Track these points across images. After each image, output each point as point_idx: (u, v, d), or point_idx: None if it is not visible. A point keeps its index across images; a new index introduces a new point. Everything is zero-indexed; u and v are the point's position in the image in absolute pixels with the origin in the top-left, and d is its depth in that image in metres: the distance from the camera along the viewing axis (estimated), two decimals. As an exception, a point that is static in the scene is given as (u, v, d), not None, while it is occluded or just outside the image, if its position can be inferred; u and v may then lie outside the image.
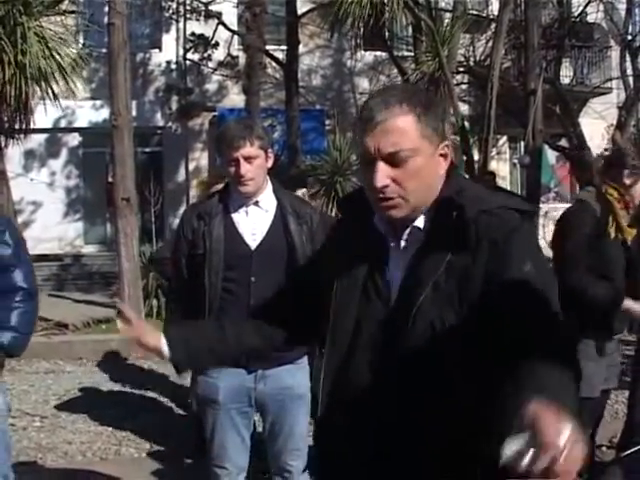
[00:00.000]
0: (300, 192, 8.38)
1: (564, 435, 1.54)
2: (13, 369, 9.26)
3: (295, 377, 3.97)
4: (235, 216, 4.00)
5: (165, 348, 2.39)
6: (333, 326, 2.23)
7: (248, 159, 3.86)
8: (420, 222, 2.15)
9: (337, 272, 2.25)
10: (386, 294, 2.16)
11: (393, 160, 2.08)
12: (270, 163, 4.00)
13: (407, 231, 2.16)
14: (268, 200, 4.04)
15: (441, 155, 2.15)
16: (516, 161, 21.99)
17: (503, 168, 23.73)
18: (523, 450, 1.56)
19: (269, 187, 4.06)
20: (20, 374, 9.35)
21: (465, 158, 14.96)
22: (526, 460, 1.54)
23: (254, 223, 3.99)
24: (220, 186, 4.63)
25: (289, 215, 3.98)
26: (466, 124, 15.66)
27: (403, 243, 2.17)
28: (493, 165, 19.44)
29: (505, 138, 23.41)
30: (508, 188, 23.16)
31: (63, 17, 12.49)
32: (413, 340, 2.05)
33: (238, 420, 3.97)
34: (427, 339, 2.03)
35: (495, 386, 2.00)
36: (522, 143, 16.56)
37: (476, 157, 14.58)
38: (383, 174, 2.08)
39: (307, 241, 3.94)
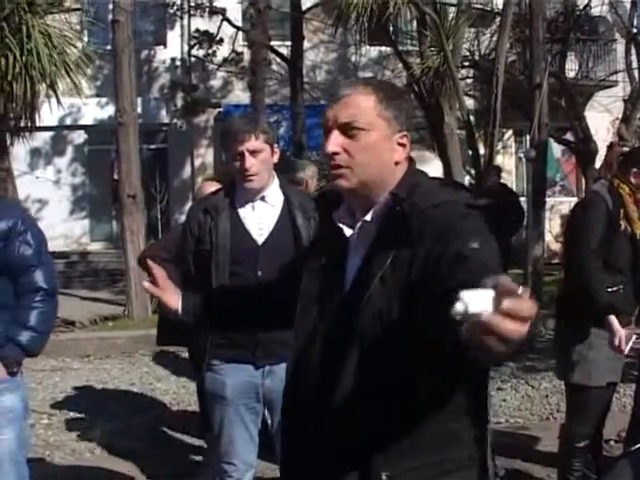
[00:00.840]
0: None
1: (520, 288, 1.57)
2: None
3: None
4: (242, 211, 4.00)
5: (180, 310, 2.71)
6: (299, 311, 2.38)
7: (253, 153, 3.87)
8: (370, 216, 2.24)
9: (305, 263, 2.44)
10: (342, 284, 2.27)
11: (347, 131, 2.21)
12: (276, 158, 3.99)
13: (358, 224, 2.26)
14: (275, 195, 4.03)
15: (399, 144, 2.25)
16: (522, 155, 21.92)
17: (509, 162, 23.68)
18: (486, 300, 1.57)
19: (275, 182, 4.05)
20: (27, 371, 9.26)
21: (471, 152, 14.94)
22: (491, 304, 1.55)
23: (261, 218, 4.00)
24: (213, 187, 4.63)
25: (296, 210, 3.97)
26: (472, 118, 15.64)
27: (355, 236, 2.28)
28: (499, 159, 19.43)
29: (511, 132, 23.37)
30: (514, 182, 23.14)
31: (67, 15, 12.48)
32: (362, 328, 2.15)
33: (246, 416, 3.96)
34: (375, 328, 2.13)
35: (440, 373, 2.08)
36: (528, 137, 16.52)
37: (482, 151, 14.56)
38: (335, 141, 2.22)
39: None
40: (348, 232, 2.28)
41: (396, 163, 2.25)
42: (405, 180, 2.25)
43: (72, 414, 7.59)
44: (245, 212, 4.00)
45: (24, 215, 4.17)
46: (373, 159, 2.21)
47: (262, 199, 4.01)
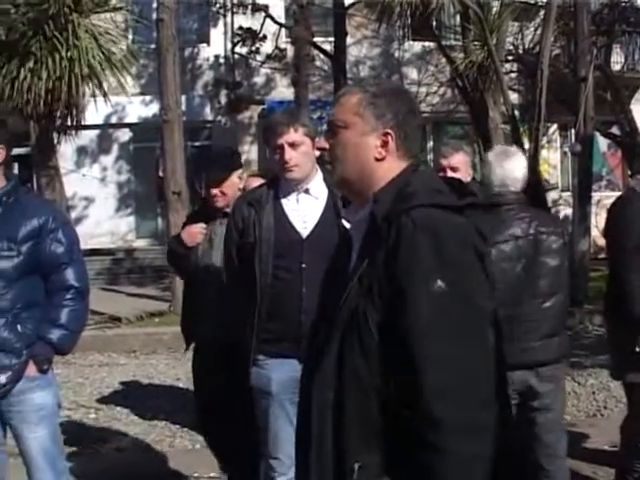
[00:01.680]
0: None
1: None
2: (68, 362, 9.39)
3: None
4: (285, 204, 4.02)
5: None
6: (318, 306, 2.47)
7: (292, 145, 3.92)
8: (360, 216, 2.31)
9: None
10: (345, 277, 2.29)
11: (332, 129, 2.34)
12: (317, 151, 4.01)
13: (351, 224, 2.36)
14: (318, 188, 4.05)
15: (383, 142, 2.29)
16: (567, 149, 21.72)
17: (554, 156, 23.48)
18: None
19: (319, 175, 4.07)
20: (75, 367, 9.49)
21: (515, 147, 14.81)
22: None
23: (305, 211, 4.01)
24: (257, 183, 4.64)
25: (340, 203, 3.95)
26: (516, 113, 15.52)
27: (351, 234, 2.35)
28: (544, 153, 19.24)
29: (555, 126, 23.15)
30: (559, 176, 22.93)
31: (112, 14, 12.59)
32: (341, 325, 2.20)
33: (291, 411, 3.95)
34: (350, 325, 2.17)
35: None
36: (573, 131, 16.39)
37: (527, 146, 14.45)
38: (324, 139, 2.40)
39: None
40: (349, 228, 2.38)
41: (377, 160, 2.29)
42: (396, 180, 2.27)
43: (118, 409, 7.66)
44: (289, 205, 4.02)
45: (56, 213, 4.17)
46: (349, 155, 2.30)
47: (306, 192, 4.03)
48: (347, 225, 2.38)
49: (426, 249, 2.09)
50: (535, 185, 11.39)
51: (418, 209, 2.14)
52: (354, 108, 2.29)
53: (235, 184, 4.84)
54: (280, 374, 3.94)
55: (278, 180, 4.07)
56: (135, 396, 8.17)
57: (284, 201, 4.02)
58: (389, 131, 2.28)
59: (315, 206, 4.02)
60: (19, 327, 3.87)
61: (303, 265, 3.89)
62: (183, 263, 4.98)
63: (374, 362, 2.13)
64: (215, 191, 4.78)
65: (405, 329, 2.07)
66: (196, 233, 4.86)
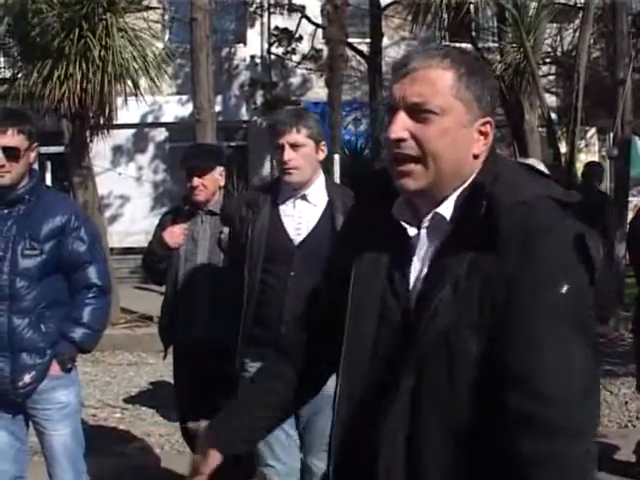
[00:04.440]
0: None
1: None
2: (97, 360, 9.42)
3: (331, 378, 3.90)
4: (282, 208, 3.92)
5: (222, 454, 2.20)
6: (351, 328, 1.94)
7: (293, 146, 3.81)
8: (444, 209, 1.84)
9: (354, 269, 1.96)
10: (405, 294, 1.87)
11: (417, 113, 1.81)
12: (322, 156, 3.91)
13: (428, 217, 1.86)
14: (318, 195, 3.94)
15: (480, 132, 1.86)
16: (605, 153, 21.49)
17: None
18: None
19: (320, 181, 3.96)
20: (103, 365, 9.49)
21: (552, 150, 14.68)
22: None
23: (300, 217, 3.91)
24: None
25: (338, 214, 3.82)
26: (553, 116, 15.34)
27: (424, 232, 1.87)
28: (582, 157, 19.03)
29: (594, 130, 22.91)
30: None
31: (147, 13, 12.58)
32: (424, 350, 1.77)
33: None
34: (439, 351, 1.75)
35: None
36: (611, 134, 16.17)
37: (564, 149, 14.29)
38: (401, 125, 1.81)
39: None
40: (412, 232, 1.88)
41: (475, 156, 1.86)
42: (486, 170, 1.85)
43: (144, 409, 7.65)
44: (285, 209, 3.92)
45: (78, 211, 4.18)
46: (447, 150, 1.81)
47: (303, 197, 3.92)
48: (409, 228, 1.88)
49: (556, 251, 1.72)
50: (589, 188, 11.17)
51: (537, 203, 1.76)
52: (452, 89, 1.80)
53: (217, 180, 4.79)
54: None
55: (279, 183, 3.99)
56: (161, 396, 8.13)
57: (281, 206, 3.93)
58: (490, 119, 1.86)
59: (311, 213, 3.90)
60: (42, 327, 3.88)
61: (292, 273, 3.80)
62: (162, 265, 4.90)
63: (463, 391, 1.74)
64: (198, 181, 4.71)
65: (520, 336, 1.69)
66: (178, 234, 4.80)
